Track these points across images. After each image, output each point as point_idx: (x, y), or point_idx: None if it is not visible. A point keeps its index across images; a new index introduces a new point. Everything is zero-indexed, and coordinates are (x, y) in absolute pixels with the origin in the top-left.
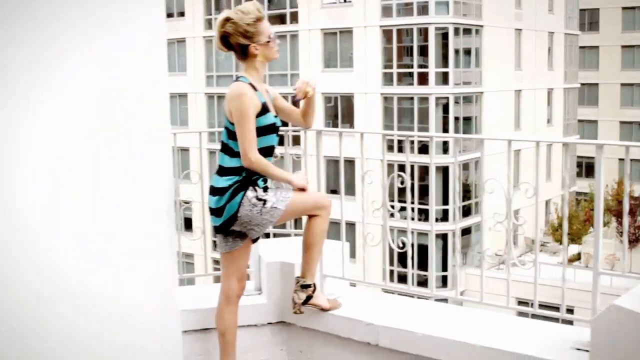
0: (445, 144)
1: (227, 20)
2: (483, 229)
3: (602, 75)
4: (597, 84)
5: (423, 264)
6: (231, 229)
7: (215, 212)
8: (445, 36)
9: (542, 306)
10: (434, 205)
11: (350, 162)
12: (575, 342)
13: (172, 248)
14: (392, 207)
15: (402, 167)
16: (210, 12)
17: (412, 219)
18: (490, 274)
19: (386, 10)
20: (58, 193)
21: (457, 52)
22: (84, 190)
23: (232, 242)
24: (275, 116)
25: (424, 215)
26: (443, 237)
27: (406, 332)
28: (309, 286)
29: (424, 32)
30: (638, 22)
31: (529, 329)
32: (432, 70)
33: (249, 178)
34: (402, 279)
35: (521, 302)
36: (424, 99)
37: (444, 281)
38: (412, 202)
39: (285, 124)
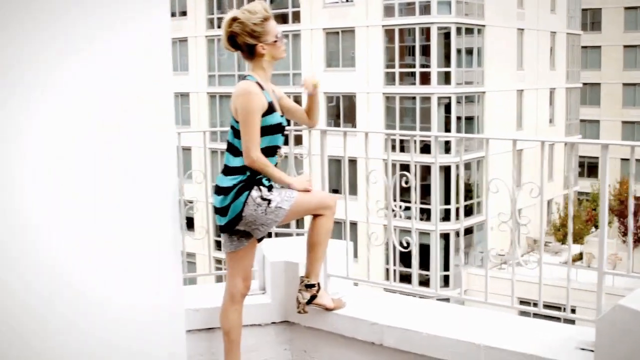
0: (447, 143)
1: (234, 20)
2: (486, 229)
3: (604, 75)
4: (599, 84)
5: (424, 264)
6: (236, 229)
7: (220, 211)
8: (447, 36)
9: (544, 306)
10: (438, 205)
11: (351, 162)
12: (580, 342)
13: (176, 247)
14: (399, 207)
15: (403, 167)
16: (212, 12)
17: (408, 218)
18: (492, 273)
19: (388, 10)
20: (59, 193)
21: (459, 51)
22: (86, 190)
23: (237, 242)
24: (282, 116)
25: (425, 214)
26: (445, 236)
27: (410, 331)
28: (313, 286)
29: (426, 32)
30: None
31: (533, 329)
32: (434, 69)
33: (254, 177)
34: (403, 278)
35: (522, 302)
36: (426, 99)
37: (445, 281)
38: (414, 202)
39: (289, 123)
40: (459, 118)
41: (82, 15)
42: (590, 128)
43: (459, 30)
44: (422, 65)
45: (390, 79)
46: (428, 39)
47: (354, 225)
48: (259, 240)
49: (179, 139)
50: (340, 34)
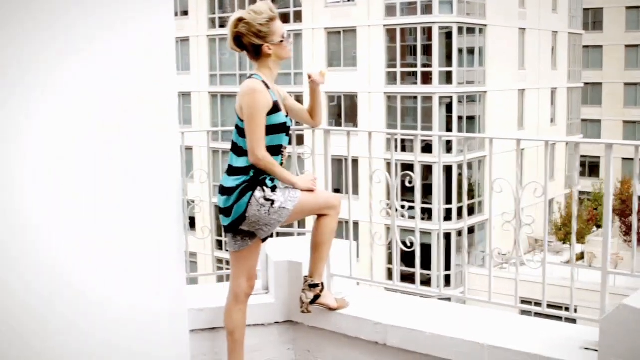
0: (448, 143)
1: (240, 20)
2: (488, 228)
3: (605, 75)
4: (600, 84)
5: (425, 263)
6: (240, 229)
7: (224, 211)
8: (449, 35)
9: (547, 305)
10: (442, 205)
11: (353, 162)
12: (584, 342)
13: (179, 247)
14: (402, 207)
15: (404, 166)
16: (214, 11)
17: (412, 217)
18: (493, 273)
19: (390, 10)
20: (59, 193)
21: (460, 51)
22: (87, 190)
23: (241, 242)
24: (286, 116)
25: (427, 214)
26: (446, 236)
27: (414, 331)
28: (317, 285)
29: (427, 32)
30: None
31: (536, 329)
32: (436, 69)
33: (257, 178)
34: (405, 278)
35: (524, 301)
36: (427, 98)
37: (446, 280)
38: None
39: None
40: (460, 118)
41: (83, 15)
42: (591, 128)
43: (460, 29)
44: (424, 65)
45: (391, 78)
46: (430, 38)
47: (355, 225)
48: (264, 240)
49: (182, 138)
50: (342, 33)
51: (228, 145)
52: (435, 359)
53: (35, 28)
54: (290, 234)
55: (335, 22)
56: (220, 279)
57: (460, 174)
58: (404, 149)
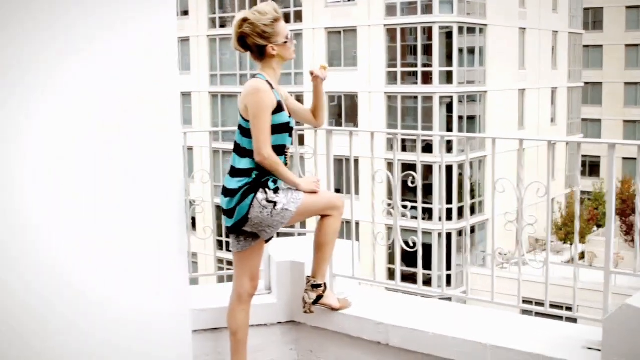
0: (448, 143)
1: (245, 20)
2: (488, 228)
3: (605, 74)
4: (600, 83)
5: (425, 263)
6: (243, 230)
7: (227, 213)
8: (449, 35)
9: (543, 305)
10: (444, 204)
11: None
12: (586, 342)
13: (182, 248)
14: (404, 207)
15: (404, 166)
16: (214, 11)
17: (414, 217)
18: (494, 273)
19: (390, 9)
20: (59, 193)
21: (461, 51)
22: (89, 191)
23: (245, 242)
24: (289, 116)
25: (427, 214)
26: (447, 236)
27: (416, 331)
28: (319, 286)
29: (428, 31)
30: None
31: (539, 328)
32: (436, 69)
33: (259, 180)
34: (405, 278)
35: (525, 301)
36: (427, 98)
37: (447, 280)
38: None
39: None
40: (460, 117)
41: (83, 15)
42: (592, 127)
43: (460, 29)
44: (424, 65)
45: (392, 78)
46: (430, 38)
47: (355, 225)
48: (267, 241)
49: (185, 139)
50: (342, 33)
51: (228, 146)
52: (438, 359)
53: (35, 28)
54: (291, 234)
55: (335, 21)
56: (220, 279)
57: (460, 174)
58: (404, 149)
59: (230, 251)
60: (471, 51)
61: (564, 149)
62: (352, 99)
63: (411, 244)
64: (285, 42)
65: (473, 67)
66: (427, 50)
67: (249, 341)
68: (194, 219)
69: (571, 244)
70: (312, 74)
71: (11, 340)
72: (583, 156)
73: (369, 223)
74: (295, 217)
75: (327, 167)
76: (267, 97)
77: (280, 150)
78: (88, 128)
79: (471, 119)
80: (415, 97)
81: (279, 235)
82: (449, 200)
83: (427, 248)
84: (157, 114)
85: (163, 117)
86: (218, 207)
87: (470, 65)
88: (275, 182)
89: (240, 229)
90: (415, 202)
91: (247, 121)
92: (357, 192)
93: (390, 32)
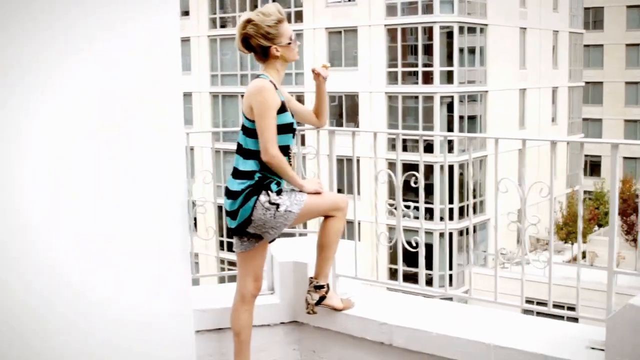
0: (449, 142)
1: (249, 21)
2: (489, 228)
3: (606, 74)
4: (601, 83)
5: (426, 263)
6: (246, 231)
7: (230, 214)
8: (449, 35)
9: (545, 304)
10: (447, 204)
11: (351, 161)
12: (590, 341)
13: (185, 248)
14: (407, 207)
15: (405, 166)
16: (214, 12)
17: (417, 217)
18: (493, 272)
19: (391, 9)
20: (59, 193)
21: (461, 51)
22: (89, 190)
23: (248, 242)
24: (292, 117)
25: (428, 214)
26: (448, 235)
27: (420, 331)
28: (322, 287)
29: (428, 31)
30: None
31: (542, 328)
32: (437, 69)
33: (262, 182)
34: (407, 277)
35: (526, 301)
36: (428, 98)
37: (448, 280)
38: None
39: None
40: (461, 117)
41: (83, 15)
42: (592, 127)
43: (461, 29)
44: (425, 65)
45: (392, 78)
46: (430, 38)
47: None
48: (271, 241)
49: (187, 139)
50: (342, 33)
51: (229, 146)
52: (441, 359)
53: (35, 28)
54: (292, 235)
55: (336, 21)
56: (221, 279)
57: (461, 174)
58: (405, 149)
59: (232, 251)
60: (472, 51)
61: (565, 148)
62: (352, 99)
63: (414, 244)
64: (289, 43)
65: (474, 67)
66: (428, 50)
67: (252, 341)
68: (195, 219)
69: (572, 244)
70: (314, 71)
71: (11, 340)
72: (584, 156)
73: (369, 223)
74: (299, 218)
75: (330, 168)
76: (272, 96)
77: (284, 151)
78: (88, 128)
79: (472, 118)
80: (416, 97)
81: (280, 235)
82: (450, 200)
83: (428, 248)
84: (159, 115)
85: (165, 117)
86: (220, 208)
87: (470, 65)
88: (278, 184)
89: (243, 230)
90: (417, 202)
91: (252, 122)
92: (358, 192)
93: (391, 32)
